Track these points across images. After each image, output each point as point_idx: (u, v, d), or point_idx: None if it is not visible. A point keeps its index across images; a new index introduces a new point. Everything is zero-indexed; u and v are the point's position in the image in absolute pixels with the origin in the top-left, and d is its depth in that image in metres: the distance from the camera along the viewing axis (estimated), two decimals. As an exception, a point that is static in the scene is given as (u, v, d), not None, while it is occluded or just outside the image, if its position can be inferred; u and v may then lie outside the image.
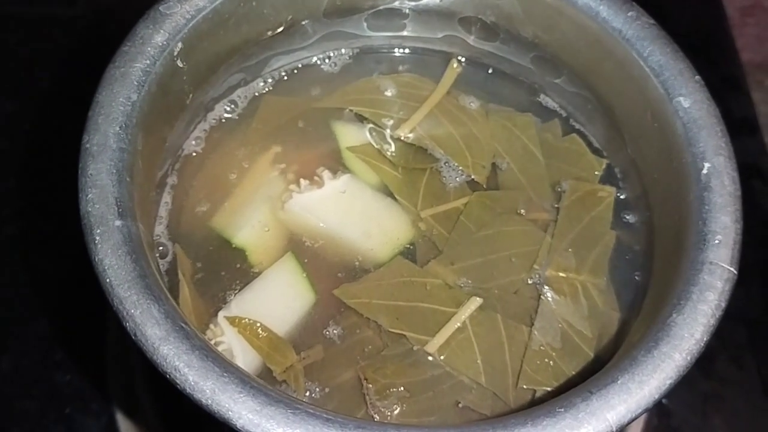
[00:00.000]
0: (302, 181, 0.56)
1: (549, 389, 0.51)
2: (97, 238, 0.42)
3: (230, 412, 0.38)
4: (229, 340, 0.51)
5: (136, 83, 0.47)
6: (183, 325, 0.40)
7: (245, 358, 0.51)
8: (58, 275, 0.73)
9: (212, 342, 0.51)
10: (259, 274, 0.54)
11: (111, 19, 0.86)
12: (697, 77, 0.51)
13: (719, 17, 0.98)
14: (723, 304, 0.44)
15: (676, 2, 0.96)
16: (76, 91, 0.79)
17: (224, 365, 0.39)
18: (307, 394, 0.50)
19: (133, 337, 0.40)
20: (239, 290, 0.53)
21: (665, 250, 0.51)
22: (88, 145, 0.44)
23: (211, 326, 0.51)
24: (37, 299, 0.72)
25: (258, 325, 0.51)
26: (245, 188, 0.57)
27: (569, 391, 0.41)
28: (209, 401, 0.38)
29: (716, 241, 0.45)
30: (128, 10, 0.84)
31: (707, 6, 0.99)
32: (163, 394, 0.66)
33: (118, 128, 0.45)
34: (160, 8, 0.50)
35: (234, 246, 0.55)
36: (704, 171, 0.47)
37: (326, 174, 0.57)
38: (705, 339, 0.42)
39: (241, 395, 0.39)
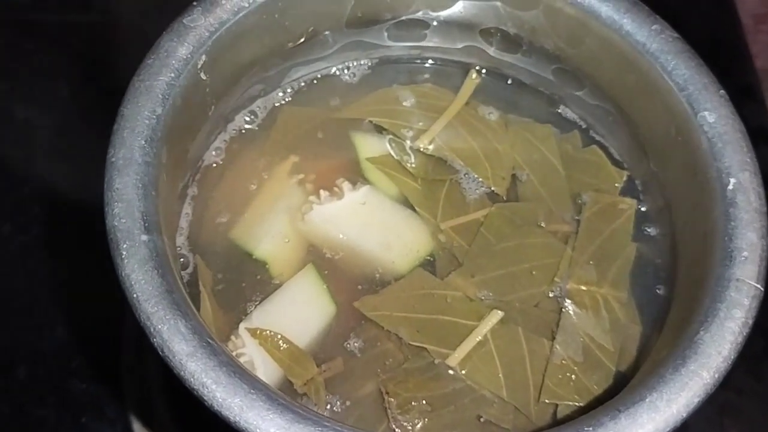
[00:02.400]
0: (322, 193, 0.56)
1: (571, 404, 0.50)
2: (124, 252, 0.42)
3: (258, 430, 0.38)
4: (250, 351, 0.51)
5: (160, 96, 0.47)
6: (210, 340, 0.40)
7: (266, 370, 0.50)
8: (73, 283, 0.73)
9: (234, 354, 0.51)
10: (279, 285, 0.54)
11: (126, 25, 0.86)
12: (722, 92, 0.50)
13: (733, 24, 0.98)
14: (750, 322, 0.44)
15: (688, 9, 0.95)
16: (93, 97, 0.80)
17: (252, 382, 0.39)
18: (328, 407, 0.50)
19: (161, 353, 0.40)
20: (260, 301, 0.53)
21: (689, 264, 0.51)
22: (113, 159, 0.44)
23: (233, 338, 0.51)
24: (52, 307, 0.72)
25: (279, 337, 0.51)
26: (265, 199, 0.57)
27: (596, 409, 0.41)
28: (237, 418, 0.38)
29: (743, 258, 0.45)
30: (143, 16, 0.85)
31: (721, 13, 0.98)
32: (179, 402, 0.66)
33: (143, 142, 0.45)
34: (183, 21, 0.49)
35: (254, 257, 0.54)
36: (730, 187, 0.47)
37: (346, 185, 0.57)
38: (732, 357, 0.42)
39: (269, 412, 0.38)
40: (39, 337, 0.70)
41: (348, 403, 0.50)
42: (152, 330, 0.40)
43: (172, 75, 0.48)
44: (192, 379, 0.39)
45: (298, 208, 0.56)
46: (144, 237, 0.42)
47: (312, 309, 0.53)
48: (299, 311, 0.53)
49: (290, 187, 0.57)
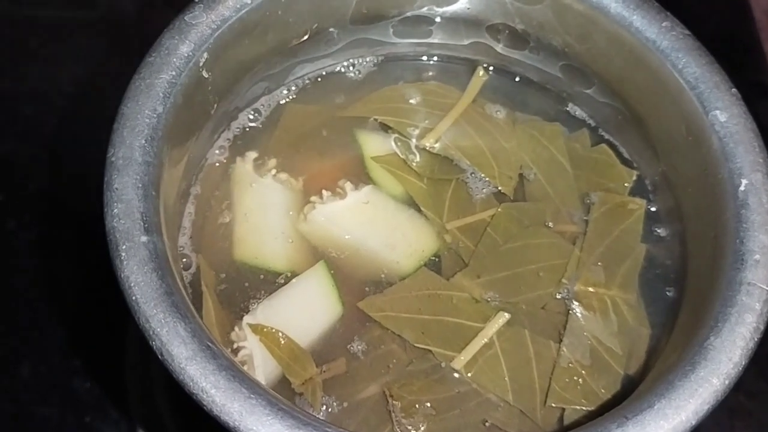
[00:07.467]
0: (324, 192, 0.55)
1: (578, 408, 0.50)
2: (123, 254, 0.41)
3: (257, 435, 0.38)
4: (251, 346, 0.50)
5: (161, 95, 0.46)
6: (210, 344, 0.40)
7: (266, 366, 0.50)
8: (78, 281, 0.73)
9: (234, 346, 0.50)
10: (283, 284, 0.53)
11: (131, 21, 0.86)
12: (734, 90, 0.49)
13: (746, 20, 0.96)
14: (761, 327, 0.43)
15: (701, 6, 0.94)
16: (97, 94, 0.80)
17: (252, 386, 0.39)
18: (326, 409, 0.49)
19: (160, 357, 0.39)
20: (262, 301, 0.52)
21: (699, 266, 0.50)
22: (113, 159, 0.44)
23: (236, 329, 0.51)
24: (56, 305, 0.72)
25: (280, 334, 0.50)
26: (261, 201, 0.56)
27: (603, 416, 0.40)
28: (237, 423, 0.38)
29: (754, 261, 0.44)
30: (148, 12, 0.84)
31: (733, 10, 0.97)
32: (182, 402, 0.66)
33: (143, 141, 0.44)
34: (185, 18, 0.49)
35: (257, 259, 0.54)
36: (741, 188, 0.46)
37: (348, 185, 0.56)
38: (743, 362, 0.41)
39: (269, 418, 0.38)
40: (43, 336, 0.70)
41: (345, 404, 0.49)
42: (151, 333, 0.40)
43: (174, 73, 0.47)
44: (191, 384, 0.39)
45: (300, 208, 0.55)
46: (144, 238, 0.42)
47: (318, 308, 0.53)
48: (305, 309, 0.52)
49: (289, 186, 0.57)
